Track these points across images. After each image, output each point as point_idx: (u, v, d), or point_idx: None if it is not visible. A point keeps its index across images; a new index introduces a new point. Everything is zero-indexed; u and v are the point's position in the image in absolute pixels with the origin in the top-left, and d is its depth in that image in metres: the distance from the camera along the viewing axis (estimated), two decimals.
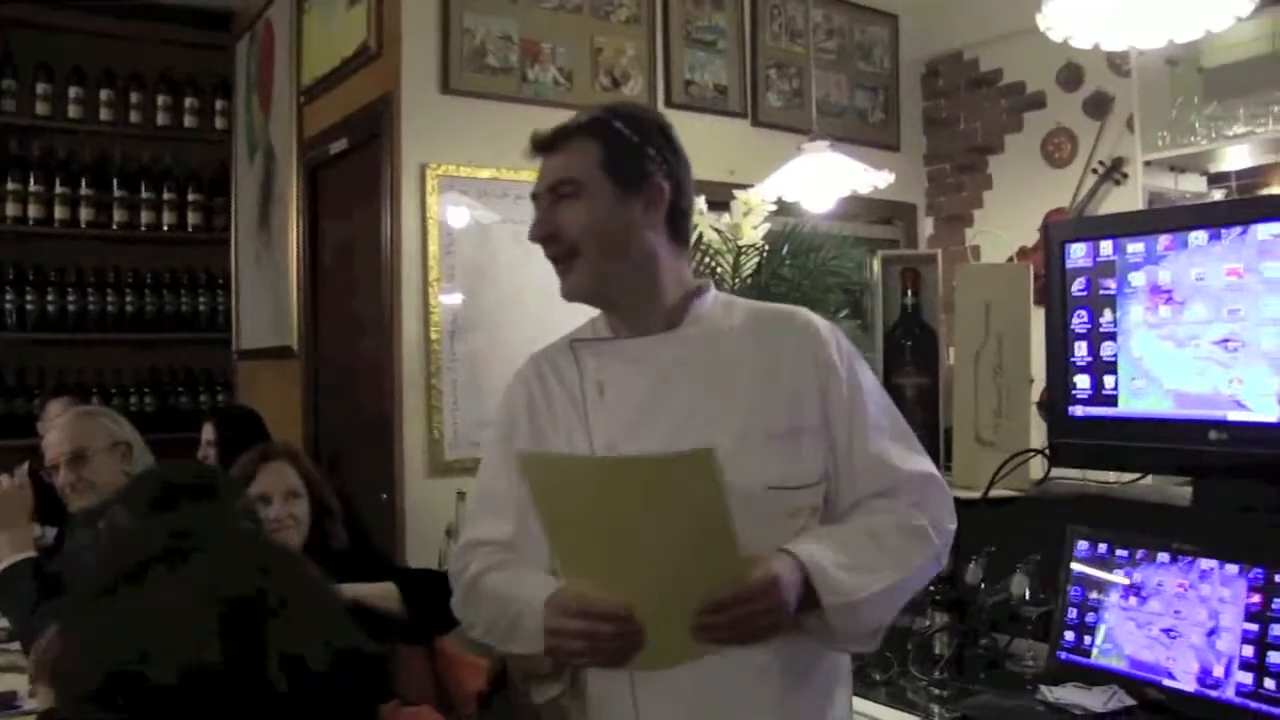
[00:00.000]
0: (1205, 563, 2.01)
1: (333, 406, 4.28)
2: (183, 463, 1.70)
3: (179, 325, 5.35)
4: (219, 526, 1.13)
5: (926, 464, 1.58)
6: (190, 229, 5.36)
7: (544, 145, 1.57)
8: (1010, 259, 4.19)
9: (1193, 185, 3.92)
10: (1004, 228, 4.39)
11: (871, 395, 1.57)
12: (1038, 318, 2.51)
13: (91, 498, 2.85)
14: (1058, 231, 2.42)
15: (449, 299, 3.60)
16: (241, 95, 5.25)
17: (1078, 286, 2.32)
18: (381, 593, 2.49)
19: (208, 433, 3.91)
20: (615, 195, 1.52)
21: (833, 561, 1.42)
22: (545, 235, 1.55)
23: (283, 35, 4.62)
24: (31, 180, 5.05)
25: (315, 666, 0.93)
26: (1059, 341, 2.36)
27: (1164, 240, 2.20)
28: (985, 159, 4.58)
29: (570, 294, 1.57)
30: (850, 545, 1.46)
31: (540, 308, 3.70)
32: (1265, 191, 3.80)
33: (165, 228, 5.31)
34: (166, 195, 5.31)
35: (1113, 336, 2.27)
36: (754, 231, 3.10)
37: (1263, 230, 2.07)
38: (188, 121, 5.39)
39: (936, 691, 2.14)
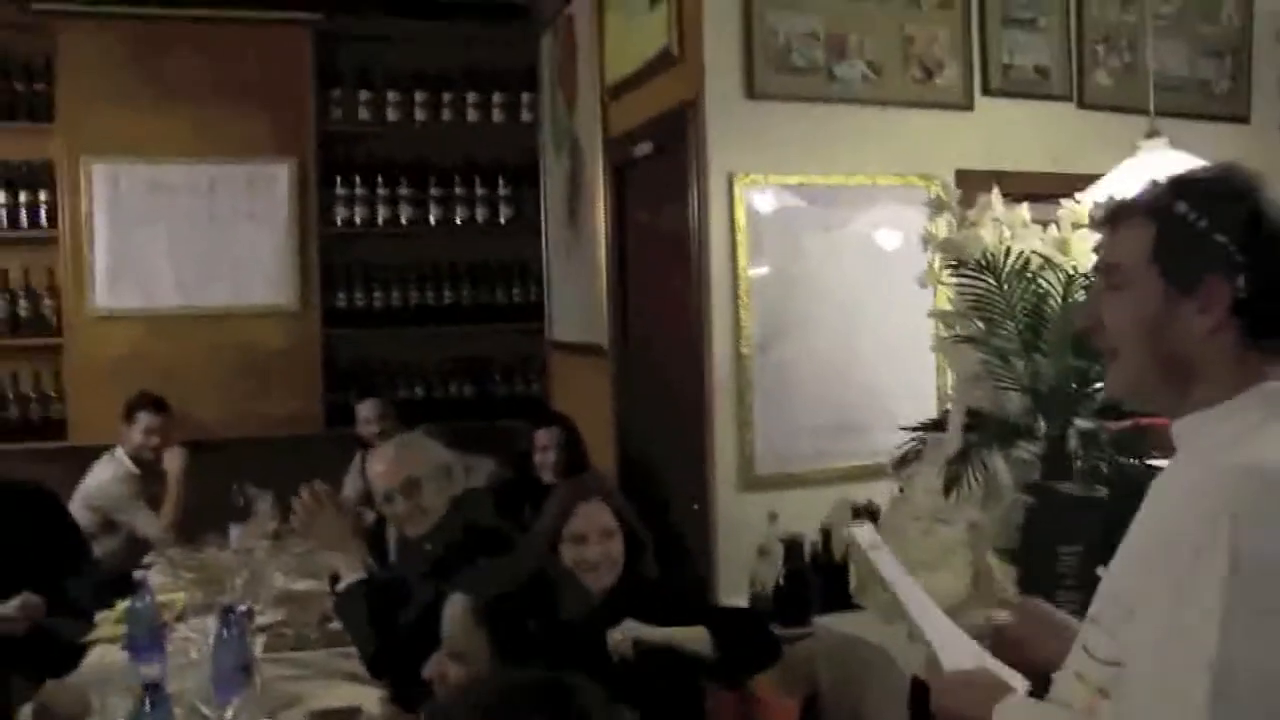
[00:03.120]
0: None
1: (641, 409, 4.33)
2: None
3: (494, 315, 5.58)
4: None
5: None
6: (503, 221, 5.57)
7: (1103, 220, 1.40)
8: None
9: None
10: None
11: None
12: None
13: (424, 523, 2.99)
14: None
15: (759, 310, 3.54)
16: (547, 89, 5.36)
17: None
18: (694, 636, 2.48)
19: (549, 438, 4.16)
20: (1165, 294, 1.29)
21: None
22: (1086, 326, 1.42)
23: (584, 32, 4.66)
24: (358, 183, 5.38)
25: None
26: None
27: None
28: None
29: (1107, 396, 1.50)
30: None
31: (850, 318, 3.61)
32: None
33: (479, 221, 5.54)
34: (479, 190, 5.53)
35: None
36: (1087, 253, 2.83)
37: None
38: (495, 116, 5.57)
39: None
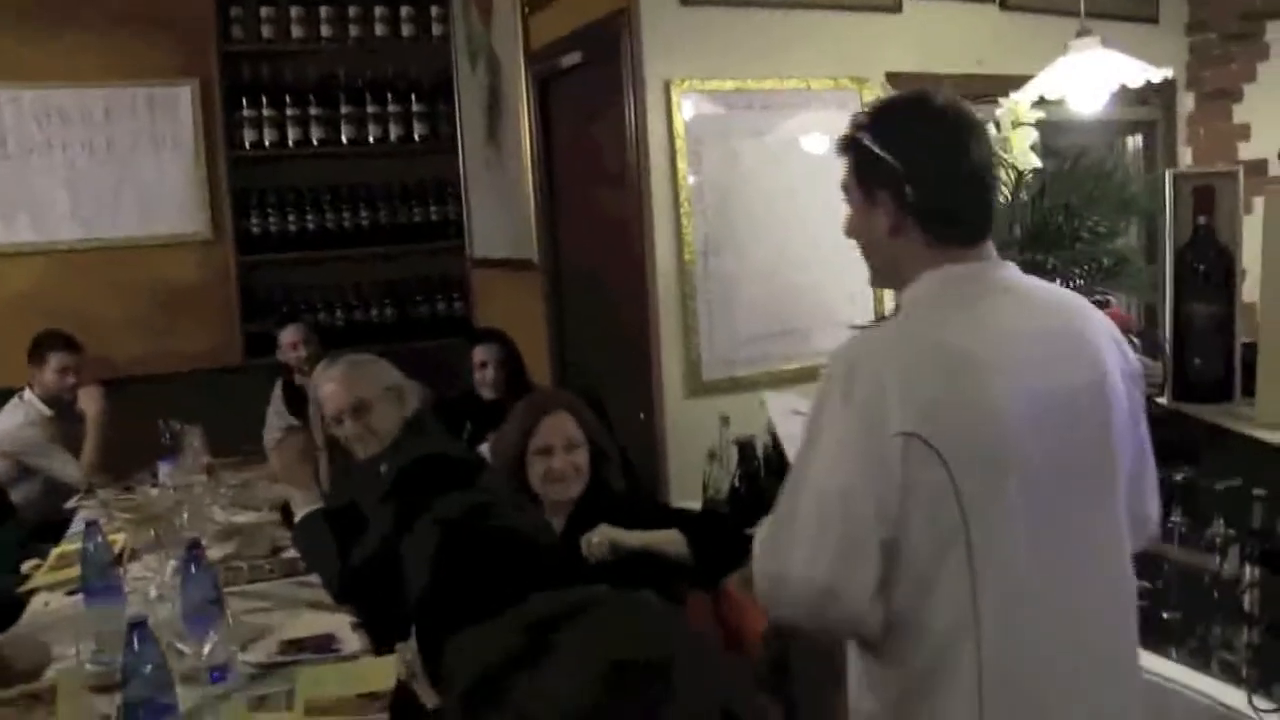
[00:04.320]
0: None
1: (579, 323, 4.32)
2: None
3: (413, 235, 5.48)
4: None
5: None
6: (417, 139, 5.44)
7: (838, 151, 1.67)
8: None
9: None
10: None
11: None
12: None
13: (374, 445, 2.95)
14: None
15: (700, 217, 3.54)
16: (458, 2, 5.22)
17: None
18: (669, 539, 2.51)
19: (488, 354, 4.06)
20: (864, 205, 1.61)
21: None
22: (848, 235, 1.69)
23: None
24: (265, 104, 5.20)
25: None
26: None
27: None
28: (1262, 24, 4.14)
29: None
30: None
31: (789, 221, 3.62)
32: None
33: (393, 139, 5.40)
34: (392, 107, 5.38)
35: None
36: (1028, 150, 2.89)
37: None
38: (405, 30, 5.41)
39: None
